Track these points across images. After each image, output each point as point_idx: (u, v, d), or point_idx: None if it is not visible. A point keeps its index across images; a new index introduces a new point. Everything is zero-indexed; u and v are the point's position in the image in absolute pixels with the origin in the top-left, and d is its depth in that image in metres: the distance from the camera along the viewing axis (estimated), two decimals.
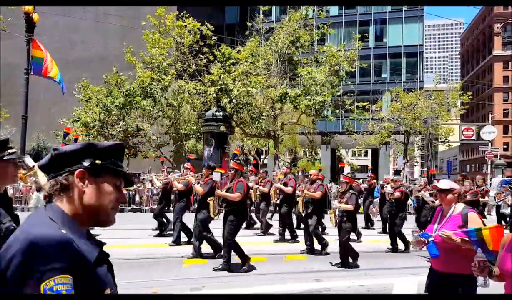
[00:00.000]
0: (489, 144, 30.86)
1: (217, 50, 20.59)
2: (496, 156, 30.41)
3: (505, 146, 60.08)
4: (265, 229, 10.39)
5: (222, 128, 17.61)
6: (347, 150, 45.98)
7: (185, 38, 20.67)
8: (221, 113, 18.08)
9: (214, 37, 20.81)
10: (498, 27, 67.01)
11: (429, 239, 3.16)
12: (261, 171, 11.13)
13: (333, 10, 42.33)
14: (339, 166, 9.02)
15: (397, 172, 17.20)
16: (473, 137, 32.44)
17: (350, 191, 7.21)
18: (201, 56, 20.97)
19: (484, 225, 2.88)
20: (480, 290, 2.76)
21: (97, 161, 1.19)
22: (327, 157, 40.66)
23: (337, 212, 7.32)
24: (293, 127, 24.68)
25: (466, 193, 9.66)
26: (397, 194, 8.87)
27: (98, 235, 10.23)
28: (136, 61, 21.77)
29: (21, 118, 17.77)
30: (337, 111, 26.86)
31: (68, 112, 22.89)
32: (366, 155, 57.98)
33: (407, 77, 41.05)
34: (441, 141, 31.61)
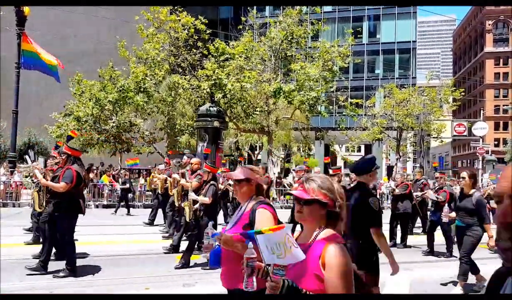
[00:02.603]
0: (481, 140, 31.14)
1: (211, 44, 20.48)
2: (487, 152, 30.70)
3: (496, 142, 60.75)
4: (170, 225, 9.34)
5: (216, 124, 17.54)
6: (340, 145, 46.18)
7: (179, 33, 20.51)
8: (214, 108, 18.00)
9: (208, 31, 20.68)
10: (489, 24, 67.51)
11: (216, 244, 2.38)
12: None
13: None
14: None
15: (390, 169, 17.09)
16: (465, 133, 32.71)
17: (211, 182, 6.46)
18: (195, 50, 20.85)
19: (281, 223, 2.29)
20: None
21: None
22: (320, 153, 40.80)
23: (198, 206, 6.49)
24: (287, 123, 24.69)
25: (397, 186, 9.18)
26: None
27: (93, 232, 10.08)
28: (130, 55, 21.58)
29: (12, 112, 17.57)
30: (331, 107, 26.89)
31: (60, 107, 22.63)
32: (359, 150, 58.29)
33: (400, 73, 41.26)
34: (434, 137, 31.84)
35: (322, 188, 1.74)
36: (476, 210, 5.23)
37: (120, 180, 14.58)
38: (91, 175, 18.09)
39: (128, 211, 13.65)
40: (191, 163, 7.76)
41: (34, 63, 16.69)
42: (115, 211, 13.55)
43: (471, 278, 5.67)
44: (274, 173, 20.63)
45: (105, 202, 16.13)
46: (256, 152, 35.16)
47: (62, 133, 21.51)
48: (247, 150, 34.07)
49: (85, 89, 21.18)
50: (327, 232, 1.72)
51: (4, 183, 15.06)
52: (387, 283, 5.95)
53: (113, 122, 20.77)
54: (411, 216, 9.64)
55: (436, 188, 8.44)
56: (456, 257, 7.06)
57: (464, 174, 5.54)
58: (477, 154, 30.31)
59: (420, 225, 10.80)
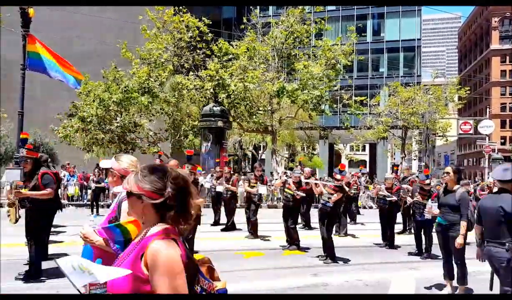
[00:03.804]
0: (487, 138, 30.89)
1: (214, 44, 20.50)
2: (493, 150, 30.43)
3: (502, 140, 60.20)
4: None
5: (220, 123, 17.57)
6: (344, 144, 46.05)
7: (182, 34, 20.55)
8: (218, 108, 18.03)
9: (211, 34, 20.76)
10: (495, 21, 66.95)
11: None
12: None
13: None
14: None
15: (394, 167, 16.80)
16: (471, 131, 32.47)
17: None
18: (198, 51, 20.87)
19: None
20: None
21: None
22: (324, 152, 40.72)
23: None
24: (291, 122, 24.64)
25: (387, 189, 8.71)
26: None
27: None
28: (133, 56, 21.62)
29: (17, 114, 17.68)
30: (335, 105, 26.81)
31: (66, 108, 22.74)
32: (364, 149, 58.06)
33: (405, 72, 41.03)
34: (439, 136, 31.64)
35: (139, 180, 1.54)
36: (458, 206, 5.08)
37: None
38: None
39: (92, 211, 13.46)
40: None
41: (43, 68, 16.71)
42: (92, 211, 13.42)
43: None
44: (278, 173, 20.61)
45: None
46: (260, 152, 35.16)
47: (67, 134, 21.62)
48: (251, 149, 34.08)
49: (90, 89, 21.29)
50: (158, 227, 1.53)
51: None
52: (393, 283, 5.91)
53: (118, 123, 20.84)
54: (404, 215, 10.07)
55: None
56: (437, 256, 6.95)
57: (448, 169, 5.37)
58: (484, 152, 30.08)
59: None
